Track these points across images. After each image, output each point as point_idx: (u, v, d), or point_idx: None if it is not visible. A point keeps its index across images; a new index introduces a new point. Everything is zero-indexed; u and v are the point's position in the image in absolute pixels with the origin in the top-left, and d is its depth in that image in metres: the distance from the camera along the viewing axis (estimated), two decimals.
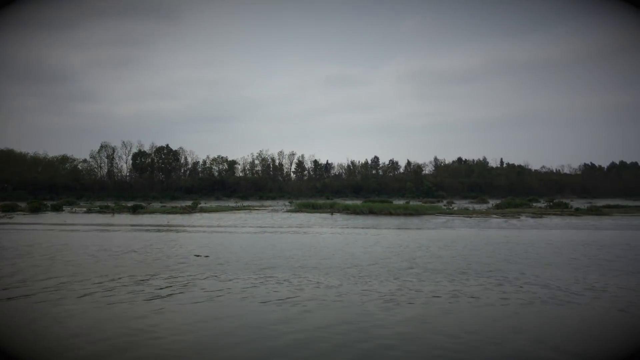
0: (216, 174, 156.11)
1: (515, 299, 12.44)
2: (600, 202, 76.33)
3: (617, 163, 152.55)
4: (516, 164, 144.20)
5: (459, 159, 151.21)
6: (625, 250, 22.21)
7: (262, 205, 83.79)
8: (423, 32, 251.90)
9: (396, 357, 8.30)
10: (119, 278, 14.96)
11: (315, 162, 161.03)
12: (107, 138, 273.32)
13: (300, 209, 62.51)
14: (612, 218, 47.03)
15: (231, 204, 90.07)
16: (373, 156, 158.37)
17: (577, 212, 52.53)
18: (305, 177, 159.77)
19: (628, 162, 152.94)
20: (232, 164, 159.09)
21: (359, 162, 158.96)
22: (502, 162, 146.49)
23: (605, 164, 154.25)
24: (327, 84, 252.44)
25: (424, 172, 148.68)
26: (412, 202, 77.25)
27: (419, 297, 12.54)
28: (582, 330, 9.94)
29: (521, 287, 13.93)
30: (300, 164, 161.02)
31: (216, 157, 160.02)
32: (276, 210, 64.34)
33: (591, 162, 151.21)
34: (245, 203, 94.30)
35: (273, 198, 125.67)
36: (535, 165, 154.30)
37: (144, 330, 9.57)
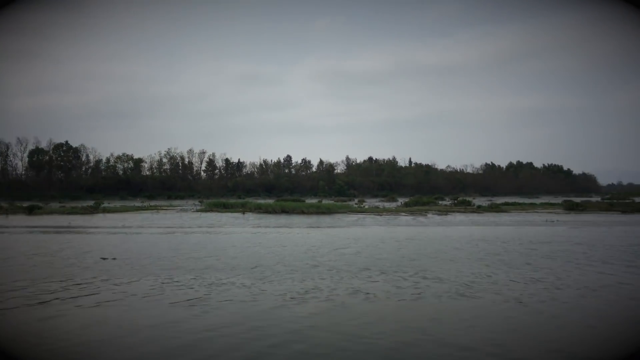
0: (121, 172, 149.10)
1: (418, 294, 12.63)
2: (500, 200, 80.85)
3: (515, 163, 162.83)
4: (424, 163, 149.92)
5: (370, 159, 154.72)
6: (519, 246, 23.32)
7: (171, 205, 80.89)
8: (335, 33, 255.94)
9: (291, 355, 8.24)
10: (15, 282, 13.50)
11: (227, 160, 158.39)
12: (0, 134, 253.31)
13: (211, 208, 60.92)
14: (509, 214, 49.76)
15: (137, 204, 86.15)
16: (286, 155, 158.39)
17: (479, 209, 55.10)
18: (216, 176, 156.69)
19: (524, 162, 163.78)
20: (139, 162, 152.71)
21: (271, 161, 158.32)
22: (410, 162, 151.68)
23: (504, 164, 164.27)
24: (240, 82, 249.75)
25: (336, 171, 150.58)
26: (325, 201, 77.75)
27: (320, 295, 12.52)
28: (477, 322, 10.15)
29: (420, 281, 14.24)
30: (211, 162, 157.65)
31: (121, 155, 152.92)
32: (185, 210, 62.27)
33: (491, 162, 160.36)
34: (152, 203, 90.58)
35: (182, 198, 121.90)
36: (441, 164, 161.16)
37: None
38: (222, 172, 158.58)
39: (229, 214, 51.87)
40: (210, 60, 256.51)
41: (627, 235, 28.34)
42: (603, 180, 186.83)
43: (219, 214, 52.33)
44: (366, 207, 62.51)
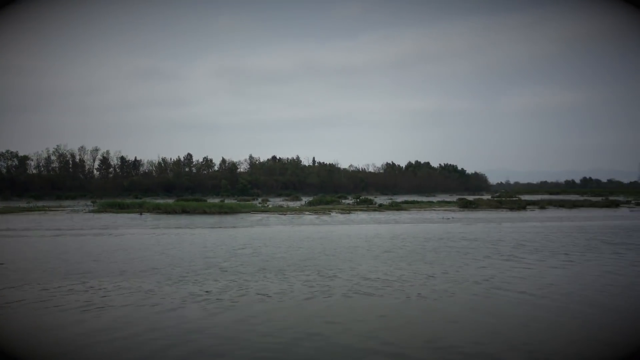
0: (4, 171, 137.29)
1: (327, 292, 12.59)
2: (400, 198, 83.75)
3: (413, 163, 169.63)
4: (327, 162, 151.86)
5: (274, 157, 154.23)
6: (423, 242, 23.98)
7: (61, 206, 75.40)
8: (238, 30, 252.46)
9: None
10: None
11: (122, 158, 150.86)
12: None
13: (105, 209, 57.40)
14: (409, 212, 51.42)
15: (23, 204, 79.51)
16: (186, 153, 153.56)
17: (381, 207, 56.51)
18: (111, 175, 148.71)
19: (422, 162, 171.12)
20: (24, 159, 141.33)
21: (171, 159, 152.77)
22: (314, 161, 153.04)
23: (403, 163, 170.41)
24: (136, 76, 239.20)
25: (239, 170, 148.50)
26: (227, 201, 76.28)
27: (225, 297, 12.27)
28: (373, 319, 10.28)
29: (320, 280, 14.18)
30: (105, 160, 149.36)
31: (4, 152, 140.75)
32: (77, 211, 58.20)
33: (392, 162, 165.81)
34: (40, 203, 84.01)
35: (73, 198, 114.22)
36: (344, 164, 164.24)
37: None
38: (118, 170, 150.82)
39: (125, 215, 49.11)
40: (103, 52, 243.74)
41: (513, 231, 30.11)
42: (493, 180, 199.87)
43: (114, 215, 49.38)
44: (270, 206, 61.99)
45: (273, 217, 43.71)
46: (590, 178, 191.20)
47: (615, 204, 63.82)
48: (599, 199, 77.60)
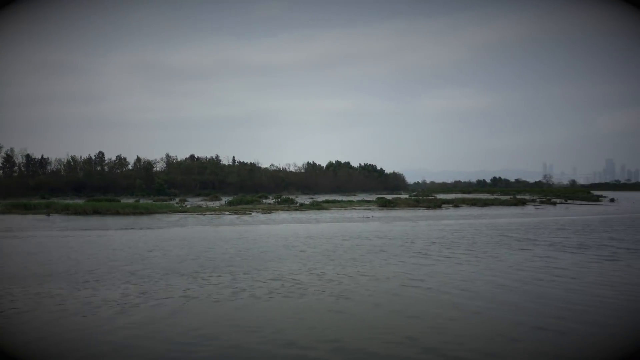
0: None
1: (248, 294, 12.39)
2: (321, 198, 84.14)
3: (334, 162, 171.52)
4: (247, 161, 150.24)
5: (192, 156, 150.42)
6: (342, 241, 24.07)
7: None
8: (155, 25, 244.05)
9: None
10: None
11: (28, 156, 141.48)
12: None
13: (10, 210, 53.37)
14: (330, 212, 51.73)
15: None
16: (98, 151, 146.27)
17: (302, 207, 56.46)
18: (16, 174, 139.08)
19: (342, 161, 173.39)
20: None
21: (81, 157, 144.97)
22: (234, 160, 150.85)
23: (324, 163, 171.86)
24: (42, 69, 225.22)
25: (155, 169, 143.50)
26: (143, 201, 73.44)
27: (147, 300, 11.86)
28: (296, 320, 10.20)
29: (243, 282, 13.88)
30: (8, 158, 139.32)
31: None
32: None
33: (313, 161, 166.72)
34: None
35: None
36: (265, 163, 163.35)
37: None
38: (23, 169, 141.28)
39: (31, 216, 45.87)
40: (2, 42, 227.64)
41: (431, 229, 30.99)
42: (410, 179, 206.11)
43: (18, 216, 45.98)
44: (188, 206, 60.25)
45: (191, 218, 42.42)
46: (499, 178, 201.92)
47: (522, 202, 67.70)
48: (508, 197, 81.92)
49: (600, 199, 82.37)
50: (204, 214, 46.87)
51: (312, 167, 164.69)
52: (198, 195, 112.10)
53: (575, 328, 9.57)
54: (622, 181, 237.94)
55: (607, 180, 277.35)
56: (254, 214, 47.46)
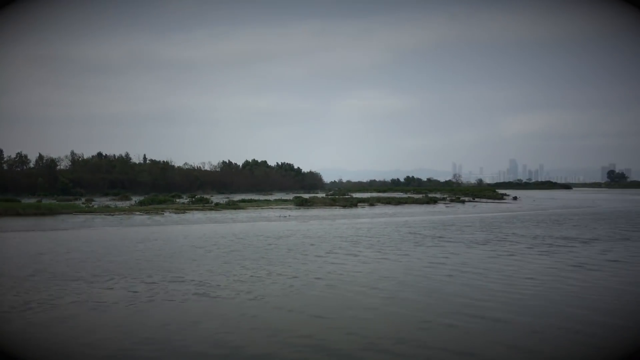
0: None
1: (161, 298, 11.87)
2: (237, 197, 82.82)
3: (250, 161, 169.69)
4: (160, 160, 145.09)
5: (100, 154, 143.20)
6: (262, 240, 23.63)
7: None
8: (57, 15, 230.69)
9: None
10: None
11: None
12: None
13: None
14: (247, 211, 50.96)
15: None
16: None
17: (217, 206, 55.20)
18: None
19: (259, 160, 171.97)
20: None
21: None
22: (145, 158, 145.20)
23: (240, 162, 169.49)
24: None
25: (59, 167, 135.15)
26: (46, 201, 68.89)
27: (37, 306, 11.18)
28: (210, 321, 9.99)
29: (156, 284, 13.36)
30: None
31: None
32: None
33: (229, 160, 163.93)
34: None
35: None
36: (178, 161, 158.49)
37: None
38: None
39: None
40: None
41: (347, 228, 31.22)
42: (327, 178, 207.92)
43: None
44: (96, 206, 57.11)
45: (99, 218, 40.11)
46: (412, 177, 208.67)
47: (434, 201, 70.24)
48: (420, 196, 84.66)
49: (504, 197, 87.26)
50: (113, 214, 44.52)
51: (228, 166, 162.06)
52: (106, 194, 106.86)
53: (474, 322, 9.92)
54: (524, 180, 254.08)
55: (511, 180, 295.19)
56: (166, 214, 45.71)
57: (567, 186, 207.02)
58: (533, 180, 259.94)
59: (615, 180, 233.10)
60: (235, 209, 53.89)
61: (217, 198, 76.94)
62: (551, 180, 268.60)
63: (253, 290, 12.85)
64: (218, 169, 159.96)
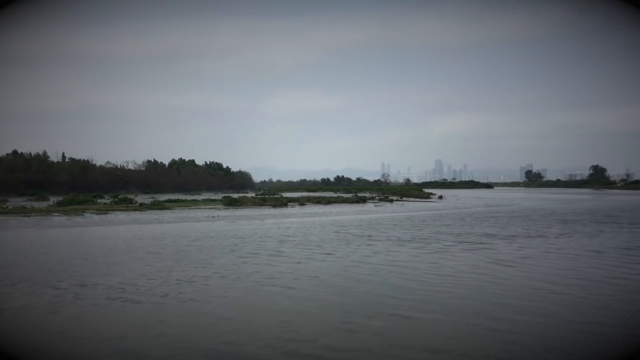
0: None
1: (61, 304, 11.20)
2: (163, 197, 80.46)
3: (177, 160, 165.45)
4: (80, 158, 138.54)
5: (15, 152, 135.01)
6: (190, 241, 22.98)
7: None
8: None
9: None
10: None
11: None
12: None
13: None
14: (173, 212, 49.55)
15: None
16: None
17: (142, 207, 53.34)
18: None
19: (186, 159, 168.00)
20: None
21: None
22: (64, 157, 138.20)
23: (166, 161, 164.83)
24: None
25: None
26: None
27: None
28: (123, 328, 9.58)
29: (68, 289, 12.61)
30: None
31: None
32: None
33: (154, 159, 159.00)
34: None
35: None
36: (100, 160, 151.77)
37: None
38: None
39: None
40: None
41: (278, 227, 31.05)
42: (257, 178, 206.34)
43: None
44: (10, 207, 53.68)
45: (14, 220, 37.66)
46: (342, 176, 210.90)
47: (363, 200, 71.27)
48: (350, 195, 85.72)
49: (430, 196, 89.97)
50: (29, 216, 41.98)
51: (153, 165, 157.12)
52: (22, 195, 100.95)
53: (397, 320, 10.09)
54: (449, 180, 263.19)
55: (437, 179, 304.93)
56: (87, 214, 43.62)
57: (489, 185, 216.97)
58: (457, 180, 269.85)
59: (533, 179, 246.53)
60: (161, 209, 52.31)
61: (141, 198, 74.46)
62: (474, 179, 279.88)
63: (169, 292, 12.46)
64: (143, 168, 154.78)
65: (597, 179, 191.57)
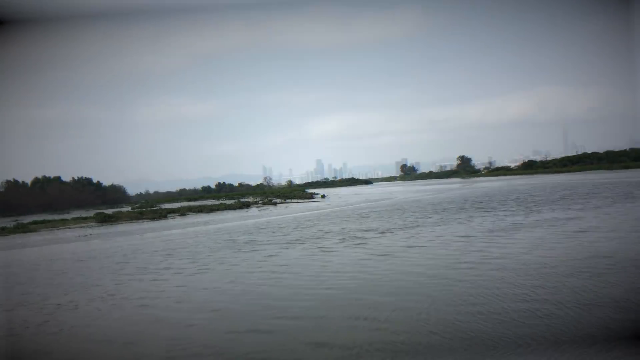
0: None
1: None
2: (27, 219, 73.70)
3: (41, 178, 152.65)
4: None
5: None
6: (56, 265, 21.05)
7: None
8: None
9: None
10: None
11: None
12: None
13: None
14: (40, 234, 45.48)
15: None
16: None
17: (4, 231, 48.37)
18: None
19: (51, 176, 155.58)
20: None
21: None
22: None
23: (28, 179, 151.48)
24: None
25: None
26: None
27: None
28: None
29: None
30: None
31: None
32: None
33: (14, 179, 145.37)
34: None
35: None
36: None
37: None
38: None
39: None
40: None
41: (159, 241, 29.54)
42: (132, 191, 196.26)
43: None
44: None
45: None
46: (224, 183, 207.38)
47: (247, 205, 70.41)
48: (233, 201, 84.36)
49: (313, 196, 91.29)
50: None
51: (14, 185, 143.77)
52: None
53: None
54: (330, 178, 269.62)
55: (318, 179, 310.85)
56: None
57: (368, 181, 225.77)
58: (338, 178, 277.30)
59: (407, 173, 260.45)
60: (24, 232, 47.76)
61: (2, 222, 67.60)
62: (354, 176, 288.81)
63: (48, 320, 11.26)
64: (2, 189, 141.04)
65: (464, 168, 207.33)
